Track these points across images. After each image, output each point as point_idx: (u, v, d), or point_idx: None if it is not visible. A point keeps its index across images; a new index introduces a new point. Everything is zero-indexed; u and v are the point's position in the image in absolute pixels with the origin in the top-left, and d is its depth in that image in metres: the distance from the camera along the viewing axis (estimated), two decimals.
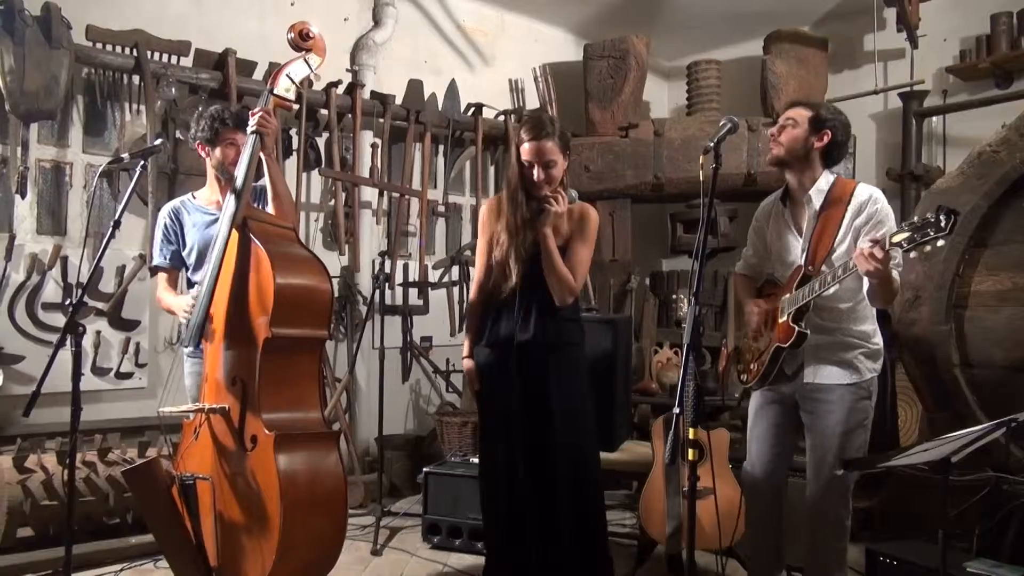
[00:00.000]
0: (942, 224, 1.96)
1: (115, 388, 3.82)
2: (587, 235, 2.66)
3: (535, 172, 2.58)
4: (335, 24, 4.62)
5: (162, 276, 2.86)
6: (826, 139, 2.50)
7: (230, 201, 2.49)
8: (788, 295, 2.50)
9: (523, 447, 2.63)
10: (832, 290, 2.38)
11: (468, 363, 2.79)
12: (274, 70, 2.66)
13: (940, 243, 2.00)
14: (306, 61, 2.64)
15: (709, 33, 5.65)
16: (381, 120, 4.61)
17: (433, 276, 4.90)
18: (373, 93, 4.62)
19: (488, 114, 5.09)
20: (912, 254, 2.08)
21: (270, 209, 2.65)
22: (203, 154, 2.79)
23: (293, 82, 2.63)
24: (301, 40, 2.63)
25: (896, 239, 2.07)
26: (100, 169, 2.87)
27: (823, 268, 2.44)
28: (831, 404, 2.49)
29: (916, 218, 2.04)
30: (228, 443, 2.41)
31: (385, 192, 4.66)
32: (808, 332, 2.44)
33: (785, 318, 2.48)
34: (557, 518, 2.61)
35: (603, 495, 2.80)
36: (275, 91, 2.60)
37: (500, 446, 2.68)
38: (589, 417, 2.71)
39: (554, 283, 2.60)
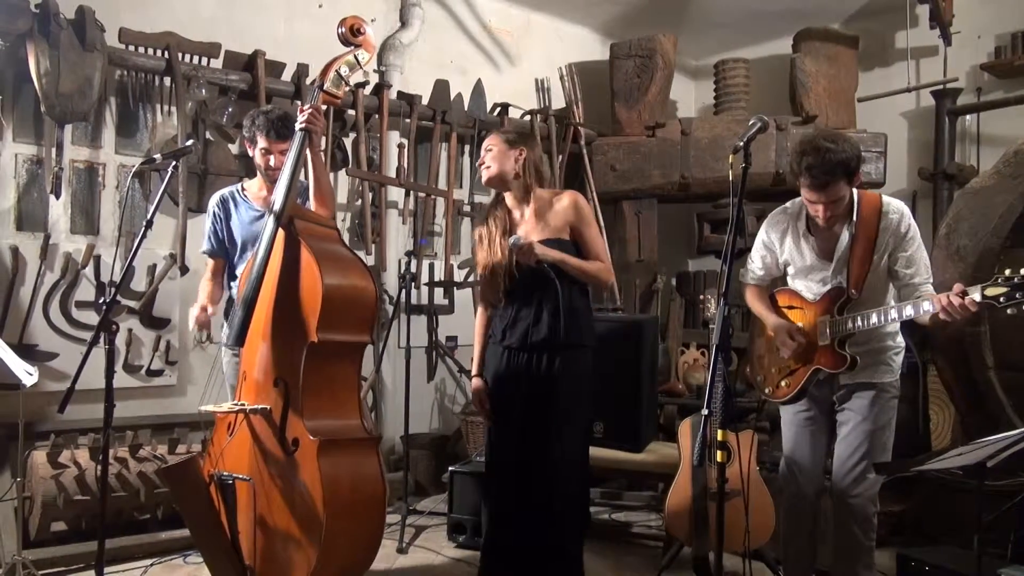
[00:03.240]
0: None
1: (146, 385, 3.87)
2: (588, 218, 2.76)
3: (483, 157, 2.75)
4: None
5: (209, 262, 2.97)
6: (860, 179, 2.45)
7: (276, 200, 2.50)
8: (829, 318, 2.48)
9: (526, 444, 2.64)
10: (873, 320, 2.36)
11: (477, 382, 2.81)
12: (324, 64, 2.64)
13: None
14: (356, 56, 2.63)
15: (737, 31, 5.60)
16: (408, 120, 4.63)
17: (459, 276, 4.91)
18: (400, 93, 4.64)
19: (514, 114, 5.09)
20: (1010, 311, 2.06)
21: (311, 205, 2.69)
22: (248, 151, 2.88)
23: (342, 78, 2.62)
24: (352, 35, 2.61)
25: (990, 293, 2.05)
26: (132, 170, 2.93)
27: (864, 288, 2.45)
28: (867, 401, 2.50)
29: (1011, 273, 2.03)
30: (269, 444, 2.41)
31: (411, 192, 4.68)
32: (858, 359, 2.44)
33: (828, 342, 2.46)
34: (545, 512, 2.64)
35: (587, 493, 2.92)
36: (325, 87, 2.59)
37: (508, 444, 2.70)
38: (585, 420, 2.78)
39: (591, 280, 2.72)
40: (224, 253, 2.93)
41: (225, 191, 2.96)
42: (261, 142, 2.78)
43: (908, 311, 2.29)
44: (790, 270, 2.69)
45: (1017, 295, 2.01)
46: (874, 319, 2.36)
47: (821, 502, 2.69)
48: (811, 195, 2.41)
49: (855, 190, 2.51)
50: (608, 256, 2.76)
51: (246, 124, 2.83)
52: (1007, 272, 2.04)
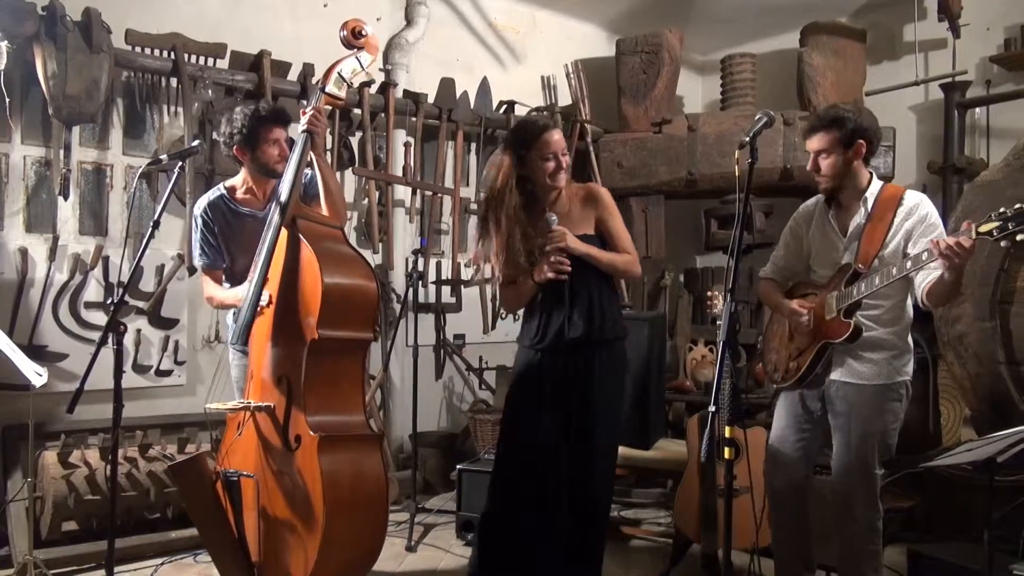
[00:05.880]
0: None
1: (155, 385, 3.89)
2: (612, 209, 2.69)
3: (563, 161, 2.59)
4: (368, 24, 4.64)
5: (207, 276, 2.84)
6: (863, 149, 2.47)
7: (280, 200, 2.50)
8: (836, 292, 2.47)
9: (560, 445, 2.60)
10: (876, 281, 2.35)
11: None
12: (326, 68, 2.66)
13: None
14: (358, 59, 2.65)
15: (743, 26, 5.57)
16: (414, 119, 4.63)
17: (466, 274, 4.91)
18: (406, 92, 4.64)
19: (520, 111, 5.08)
20: (1003, 243, 2.07)
21: (321, 206, 2.66)
22: (241, 158, 2.74)
23: (344, 80, 2.63)
24: (354, 38, 2.64)
25: (984, 229, 2.06)
26: (139, 170, 2.92)
27: (873, 267, 2.43)
28: (860, 404, 2.47)
29: (1004, 209, 2.03)
30: (273, 441, 2.43)
31: (418, 190, 4.68)
32: (863, 326, 2.41)
33: (835, 315, 2.45)
34: (585, 516, 2.60)
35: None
36: (326, 89, 2.60)
37: (535, 441, 2.62)
38: (621, 417, 2.72)
39: (619, 274, 2.69)
40: (221, 263, 2.80)
41: (211, 196, 2.80)
42: (275, 133, 2.68)
43: (908, 264, 2.28)
44: (812, 259, 2.68)
45: (1010, 226, 2.01)
46: (877, 280, 2.34)
47: (806, 498, 2.67)
48: (805, 141, 2.54)
49: (876, 179, 2.53)
50: (633, 246, 2.69)
51: (236, 127, 2.66)
52: (1000, 209, 2.05)
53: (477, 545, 2.76)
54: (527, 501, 2.65)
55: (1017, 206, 2.01)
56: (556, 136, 2.58)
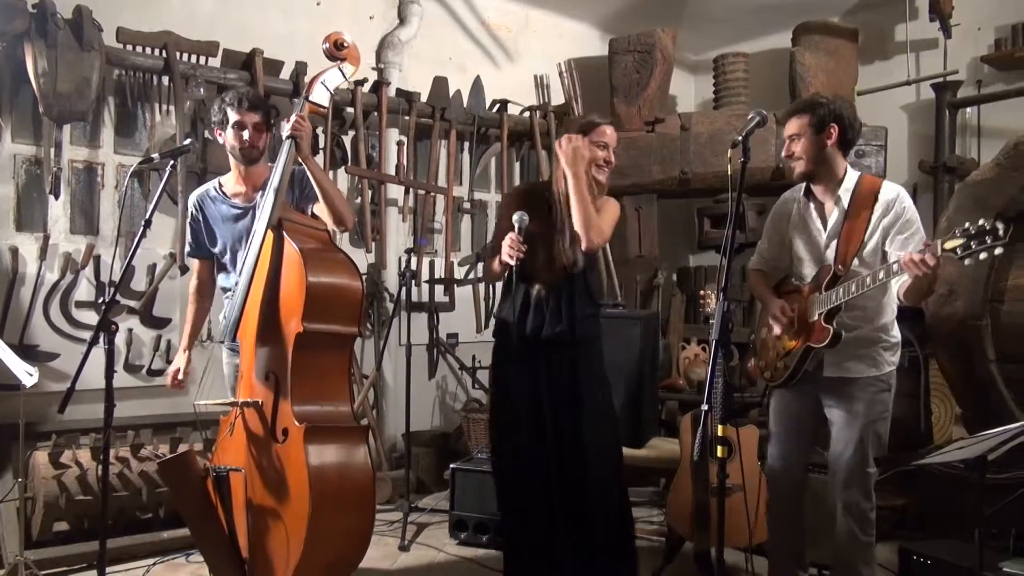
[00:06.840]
0: (999, 232, 1.97)
1: (147, 385, 3.88)
2: (608, 204, 2.78)
3: (611, 156, 2.73)
4: (361, 22, 4.64)
5: (195, 265, 2.91)
6: (835, 133, 2.48)
7: (266, 204, 2.53)
8: (817, 295, 2.48)
9: (554, 443, 2.62)
10: (853, 288, 2.37)
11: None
12: (310, 78, 2.71)
13: (997, 251, 2.01)
14: (340, 70, 2.70)
15: (736, 25, 5.59)
16: (407, 118, 4.62)
17: (459, 273, 4.91)
18: (399, 91, 4.63)
19: (513, 110, 5.08)
20: (967, 262, 2.08)
21: (319, 208, 2.70)
22: (220, 139, 2.77)
23: (328, 90, 2.69)
24: (336, 50, 2.68)
25: (949, 246, 2.07)
26: (131, 169, 2.92)
27: (852, 267, 2.44)
28: (852, 397, 2.49)
29: (969, 225, 2.04)
30: (262, 437, 2.46)
31: (411, 189, 4.67)
32: (843, 332, 2.42)
33: (817, 318, 2.46)
34: (589, 513, 2.62)
35: (627, 487, 2.84)
36: (310, 98, 2.66)
37: (527, 442, 2.65)
38: (612, 409, 2.75)
39: (584, 224, 2.57)
40: (208, 254, 2.84)
41: (201, 189, 2.86)
42: (233, 116, 2.67)
43: (881, 275, 2.30)
44: (794, 254, 2.69)
45: (973, 244, 2.03)
46: (853, 288, 2.36)
47: (805, 494, 2.68)
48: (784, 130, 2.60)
49: (852, 170, 2.53)
50: (609, 230, 2.72)
51: (213, 111, 2.73)
52: (966, 224, 2.07)
53: (504, 556, 2.83)
54: (524, 505, 2.67)
55: (981, 222, 2.02)
56: (611, 131, 2.76)
